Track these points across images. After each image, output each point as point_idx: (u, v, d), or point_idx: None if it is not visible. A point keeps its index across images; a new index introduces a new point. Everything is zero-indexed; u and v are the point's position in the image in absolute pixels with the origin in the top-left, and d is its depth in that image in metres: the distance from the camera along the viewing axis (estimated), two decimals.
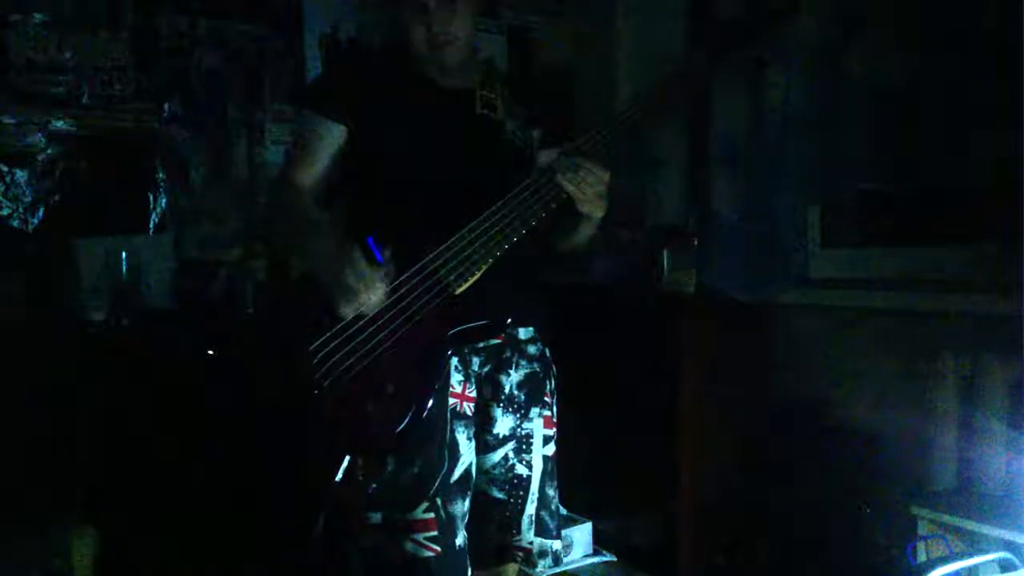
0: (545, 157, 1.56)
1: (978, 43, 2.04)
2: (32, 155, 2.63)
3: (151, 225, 2.83)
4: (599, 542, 2.71)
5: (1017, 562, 1.47)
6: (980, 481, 1.91)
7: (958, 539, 1.78)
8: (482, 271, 1.40)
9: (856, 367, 2.25)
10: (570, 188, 1.42)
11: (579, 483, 2.80)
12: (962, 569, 1.40)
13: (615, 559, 2.66)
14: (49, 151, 2.66)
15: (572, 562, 2.63)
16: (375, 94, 1.55)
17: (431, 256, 1.40)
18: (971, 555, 1.50)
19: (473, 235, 1.41)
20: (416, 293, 1.39)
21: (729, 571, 2.46)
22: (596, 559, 2.66)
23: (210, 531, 2.28)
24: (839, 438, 2.27)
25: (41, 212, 2.64)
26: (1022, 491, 1.79)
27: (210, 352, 2.38)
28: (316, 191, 1.57)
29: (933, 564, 1.40)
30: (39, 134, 2.64)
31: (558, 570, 2.58)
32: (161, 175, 2.84)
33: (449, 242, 1.40)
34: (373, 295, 1.36)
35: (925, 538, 1.81)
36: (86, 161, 2.71)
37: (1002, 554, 1.49)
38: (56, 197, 2.66)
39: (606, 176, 1.43)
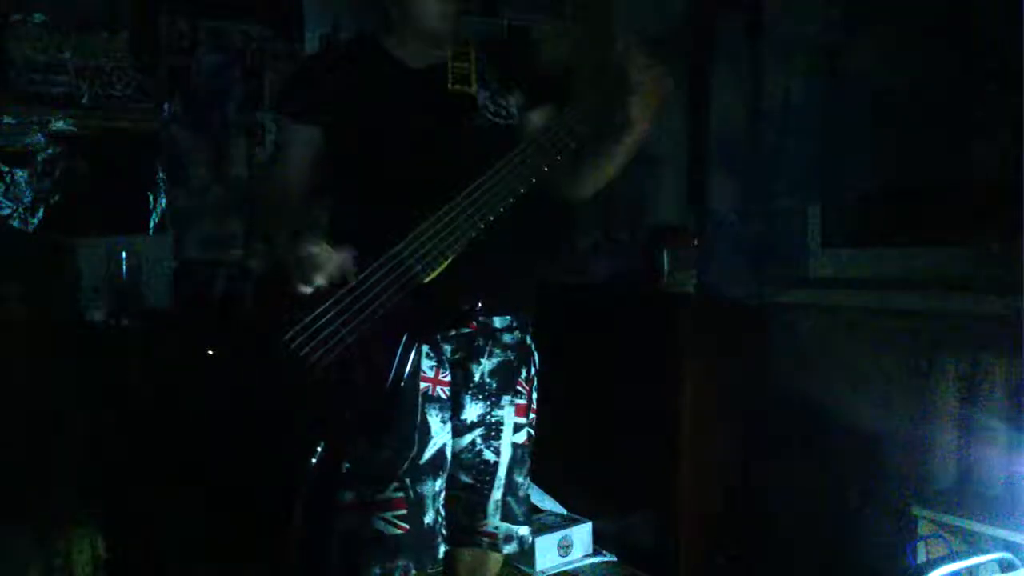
0: (532, 117, 1.59)
1: (979, 42, 2.04)
2: (32, 155, 2.63)
3: (151, 225, 2.83)
4: (599, 542, 2.71)
5: (1017, 562, 1.47)
6: (980, 481, 1.91)
7: (958, 539, 1.78)
8: (449, 260, 1.43)
9: (856, 367, 2.25)
10: (636, 76, 1.38)
11: (579, 483, 2.81)
12: (962, 569, 1.40)
13: (615, 559, 2.66)
14: (49, 151, 2.66)
15: (572, 562, 2.64)
16: (342, 88, 1.57)
17: (399, 246, 1.42)
18: (971, 555, 1.50)
19: (440, 224, 1.42)
20: (383, 284, 1.42)
21: (729, 571, 2.46)
22: (596, 559, 2.67)
23: (203, 525, 2.31)
24: (839, 438, 2.27)
25: (41, 212, 2.64)
26: (1022, 491, 1.78)
27: (210, 352, 2.38)
28: (301, 194, 1.60)
29: (933, 564, 1.40)
30: (39, 134, 2.64)
31: (558, 570, 2.59)
32: (161, 175, 2.84)
33: (416, 231, 1.42)
34: (325, 273, 1.38)
35: (925, 538, 1.81)
36: (86, 161, 2.71)
37: (1002, 554, 1.50)
38: (56, 197, 2.66)
39: (665, 78, 1.40)
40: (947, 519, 1.78)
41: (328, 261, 1.38)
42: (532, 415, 1.69)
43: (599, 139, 1.53)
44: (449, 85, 1.56)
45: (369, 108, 1.56)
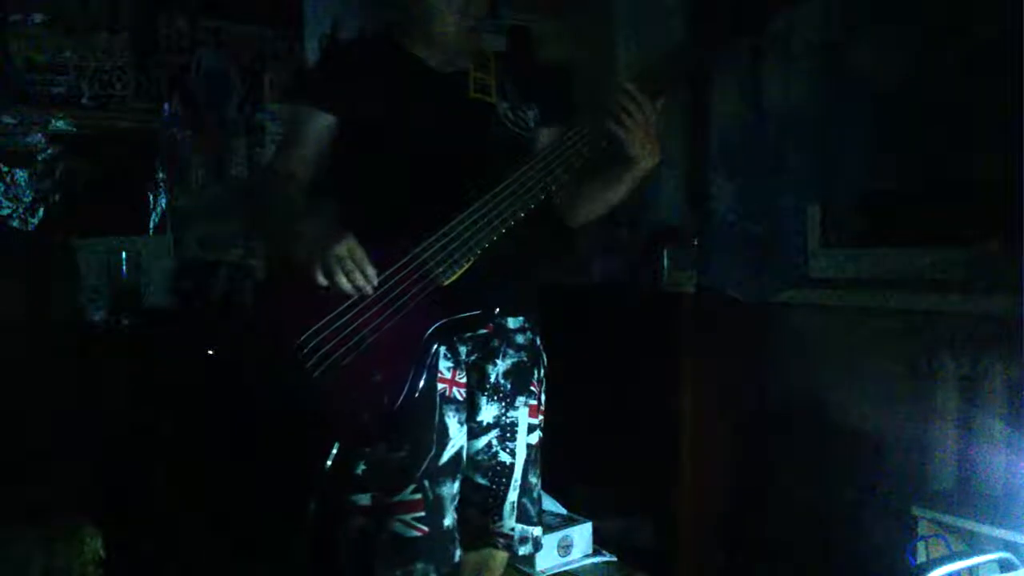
0: (543, 133, 1.60)
1: (979, 42, 2.04)
2: (32, 155, 2.63)
3: (151, 225, 2.83)
4: (599, 542, 2.71)
5: (1017, 562, 1.47)
6: (980, 481, 1.91)
7: (958, 539, 1.78)
8: (471, 263, 1.42)
9: (856, 367, 2.25)
10: (617, 129, 1.40)
11: (579, 483, 2.81)
12: (962, 569, 1.40)
13: (615, 559, 2.66)
14: (49, 151, 2.66)
15: (572, 562, 2.63)
16: (366, 81, 1.55)
17: (420, 247, 1.41)
18: (971, 555, 1.50)
19: (462, 227, 1.42)
20: (404, 285, 1.41)
21: (729, 571, 2.46)
22: (596, 559, 2.66)
23: (207, 524, 2.30)
24: (839, 438, 2.27)
25: (41, 212, 2.64)
26: (1022, 491, 1.78)
27: (209, 352, 2.38)
28: (303, 180, 1.58)
29: (933, 564, 1.40)
30: (39, 134, 2.65)
31: (558, 570, 2.59)
32: (161, 175, 2.84)
33: (438, 233, 1.41)
34: (361, 273, 1.36)
35: (925, 538, 1.81)
36: (86, 161, 2.71)
37: (1002, 554, 1.50)
38: (56, 197, 2.66)
39: (652, 115, 1.41)
40: (947, 519, 1.78)
41: (363, 256, 1.36)
42: (542, 416, 1.69)
43: (604, 167, 1.54)
44: (470, 94, 1.56)
45: (394, 108, 1.53)
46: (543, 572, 2.57)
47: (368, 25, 2.96)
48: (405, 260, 1.42)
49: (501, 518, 1.63)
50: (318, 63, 1.80)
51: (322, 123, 1.56)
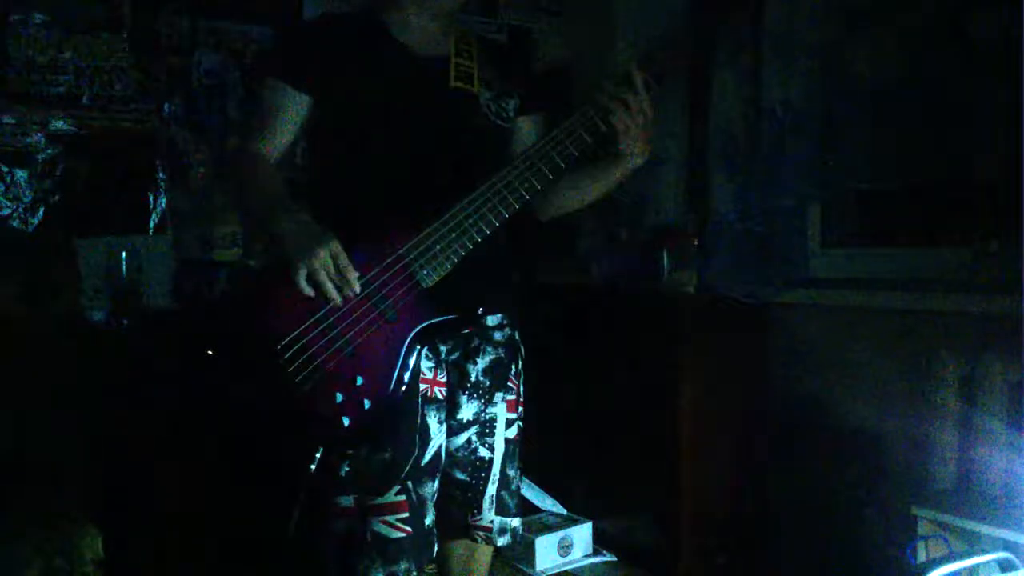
0: (523, 123, 1.59)
1: (979, 41, 2.04)
2: (32, 155, 2.63)
3: (151, 225, 2.83)
4: (599, 542, 2.71)
5: (1017, 562, 1.47)
6: (980, 481, 1.91)
7: (958, 539, 1.78)
8: (454, 264, 1.41)
9: (856, 367, 2.25)
10: (615, 118, 1.40)
11: (579, 483, 2.81)
12: (962, 569, 1.40)
13: (615, 559, 2.66)
14: (49, 151, 2.66)
15: (572, 562, 2.64)
16: (344, 62, 1.49)
17: (403, 249, 1.40)
18: (971, 555, 1.50)
19: (446, 228, 1.40)
20: (387, 289, 1.40)
21: (729, 571, 2.46)
22: (596, 559, 2.66)
23: (200, 525, 2.31)
24: (839, 438, 2.27)
25: (41, 212, 2.64)
26: (1022, 491, 1.79)
27: (209, 352, 2.38)
28: (277, 161, 1.54)
29: (933, 564, 1.40)
30: (39, 134, 2.64)
31: (558, 570, 2.59)
32: (161, 175, 2.84)
33: (422, 235, 1.40)
34: (344, 280, 1.34)
35: (925, 538, 1.81)
36: (86, 161, 2.70)
37: (1002, 554, 1.50)
38: (56, 197, 2.66)
39: (648, 110, 1.41)
40: (947, 519, 1.78)
41: (346, 262, 1.34)
42: (521, 409, 1.70)
43: (589, 163, 1.53)
44: (451, 82, 1.52)
45: (373, 95, 1.49)
46: (543, 572, 2.57)
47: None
48: (388, 262, 1.40)
49: (480, 511, 1.66)
50: (297, 35, 1.65)
51: (297, 103, 1.51)
